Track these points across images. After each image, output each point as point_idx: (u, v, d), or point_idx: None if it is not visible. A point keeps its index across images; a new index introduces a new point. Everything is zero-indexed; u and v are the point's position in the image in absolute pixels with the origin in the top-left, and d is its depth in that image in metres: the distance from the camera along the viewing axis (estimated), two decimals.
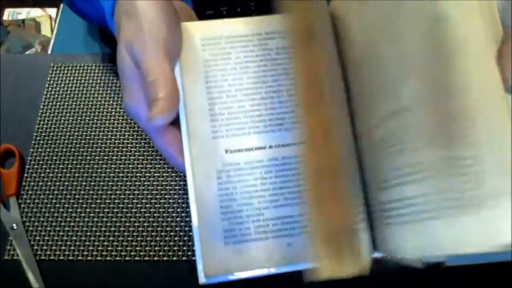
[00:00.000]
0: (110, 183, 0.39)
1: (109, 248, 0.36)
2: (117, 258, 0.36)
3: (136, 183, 0.39)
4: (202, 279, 0.27)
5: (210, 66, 0.31)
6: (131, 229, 0.37)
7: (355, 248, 0.26)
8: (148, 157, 0.40)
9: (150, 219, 0.37)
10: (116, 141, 0.40)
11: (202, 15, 0.36)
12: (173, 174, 0.39)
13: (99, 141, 0.41)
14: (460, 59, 0.24)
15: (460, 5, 0.25)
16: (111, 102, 0.42)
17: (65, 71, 0.44)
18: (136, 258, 0.36)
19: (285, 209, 0.29)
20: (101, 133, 0.41)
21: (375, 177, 0.28)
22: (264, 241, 0.28)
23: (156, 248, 0.36)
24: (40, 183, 0.39)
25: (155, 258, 0.36)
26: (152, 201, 0.38)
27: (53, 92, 0.43)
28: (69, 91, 0.43)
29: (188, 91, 0.30)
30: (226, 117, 0.30)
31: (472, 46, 0.24)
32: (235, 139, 0.30)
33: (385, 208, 0.27)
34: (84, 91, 0.43)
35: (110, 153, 0.40)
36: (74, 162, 0.40)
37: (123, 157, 0.40)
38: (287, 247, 0.28)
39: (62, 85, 0.43)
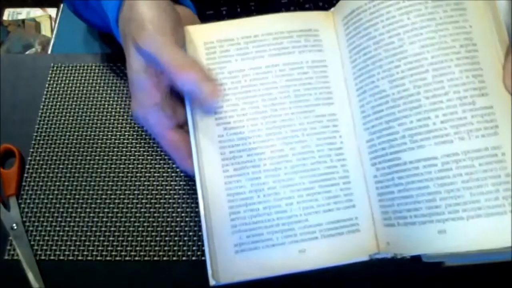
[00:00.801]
0: (110, 183, 0.39)
1: (109, 248, 0.36)
2: (117, 258, 0.36)
3: (136, 183, 0.39)
4: (212, 282, 0.27)
5: (214, 69, 0.31)
6: (131, 229, 0.37)
7: None
8: (148, 157, 0.40)
9: (150, 219, 0.37)
10: (116, 141, 0.40)
11: (202, 15, 0.36)
12: (173, 174, 0.39)
13: (99, 141, 0.40)
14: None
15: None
16: (111, 102, 0.42)
17: (65, 71, 0.44)
18: (136, 258, 0.36)
19: (298, 216, 0.29)
20: (101, 133, 0.41)
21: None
22: (274, 248, 0.28)
23: (156, 248, 0.36)
24: (40, 183, 0.39)
25: (155, 258, 0.36)
26: (152, 201, 0.38)
27: (53, 92, 0.43)
28: (69, 91, 0.43)
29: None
30: (234, 119, 0.30)
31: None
32: (243, 143, 0.30)
33: (397, 210, 0.27)
34: (84, 91, 0.43)
35: (110, 153, 0.40)
36: (74, 162, 0.40)
37: (123, 157, 0.40)
38: (299, 254, 0.28)
39: (62, 85, 0.43)
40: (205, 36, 0.32)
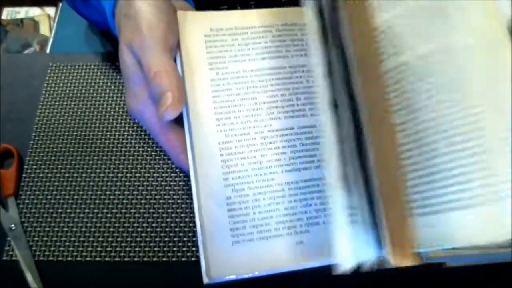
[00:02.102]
0: (109, 184, 0.38)
1: (108, 249, 0.36)
2: (116, 259, 0.36)
3: (135, 183, 0.38)
4: (205, 279, 0.27)
5: (212, 58, 0.31)
6: (130, 230, 0.37)
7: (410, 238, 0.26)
8: (147, 157, 0.39)
9: (150, 220, 0.37)
10: (115, 141, 0.40)
11: None
12: (172, 175, 0.39)
13: (98, 141, 0.40)
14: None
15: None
16: (110, 101, 0.42)
17: (64, 70, 0.44)
18: (135, 259, 0.36)
19: (295, 207, 0.29)
20: (100, 133, 0.41)
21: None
22: (272, 240, 0.28)
23: (156, 249, 0.36)
24: (39, 183, 0.39)
25: (154, 259, 0.36)
26: (151, 201, 0.38)
27: (51, 91, 0.43)
28: (67, 91, 0.43)
29: (191, 88, 0.30)
30: (230, 112, 0.30)
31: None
32: (240, 137, 0.30)
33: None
34: (83, 91, 0.43)
35: (109, 153, 0.40)
36: (73, 162, 0.39)
37: (122, 157, 0.40)
38: (297, 246, 0.28)
39: (61, 84, 0.43)
40: (204, 25, 0.31)
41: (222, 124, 0.29)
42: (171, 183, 0.38)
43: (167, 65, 0.28)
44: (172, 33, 0.30)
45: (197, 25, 0.31)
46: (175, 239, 0.36)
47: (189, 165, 0.29)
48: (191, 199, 0.37)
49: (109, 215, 0.37)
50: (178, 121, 0.31)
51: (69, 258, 0.36)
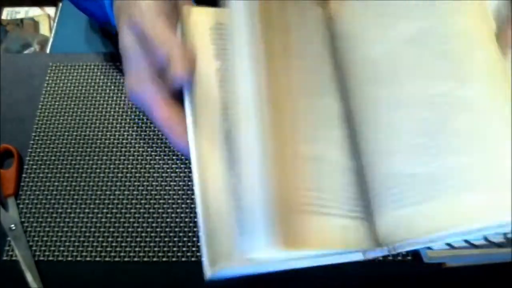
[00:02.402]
0: (109, 184, 0.38)
1: (108, 249, 0.36)
2: (116, 259, 0.36)
3: (136, 183, 0.38)
4: (208, 274, 0.26)
5: (217, 50, 0.31)
6: (130, 229, 0.37)
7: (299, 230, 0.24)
8: (147, 157, 0.39)
9: (150, 220, 0.37)
10: (115, 141, 0.40)
11: None
12: (172, 175, 0.39)
13: (98, 141, 0.40)
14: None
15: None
16: (110, 101, 0.42)
17: (64, 70, 0.44)
18: (135, 259, 0.36)
19: None
20: (100, 133, 0.41)
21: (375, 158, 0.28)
22: None
23: (156, 249, 0.36)
24: (39, 183, 0.39)
25: (154, 259, 0.36)
26: (152, 201, 0.38)
27: (51, 91, 0.43)
28: (67, 91, 0.43)
29: (195, 77, 0.30)
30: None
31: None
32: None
33: (389, 193, 0.26)
34: (83, 91, 0.43)
35: (109, 153, 0.40)
36: (73, 162, 0.39)
37: (122, 157, 0.40)
38: None
39: (61, 84, 0.43)
40: (209, 18, 0.31)
41: (228, 113, 0.29)
42: (171, 183, 0.38)
43: (171, 33, 0.29)
44: (171, 10, 0.31)
45: (202, 19, 0.31)
46: (175, 239, 0.36)
47: (191, 151, 0.28)
48: (191, 199, 0.37)
49: (109, 215, 0.37)
50: (179, 104, 0.30)
51: (69, 258, 0.36)
